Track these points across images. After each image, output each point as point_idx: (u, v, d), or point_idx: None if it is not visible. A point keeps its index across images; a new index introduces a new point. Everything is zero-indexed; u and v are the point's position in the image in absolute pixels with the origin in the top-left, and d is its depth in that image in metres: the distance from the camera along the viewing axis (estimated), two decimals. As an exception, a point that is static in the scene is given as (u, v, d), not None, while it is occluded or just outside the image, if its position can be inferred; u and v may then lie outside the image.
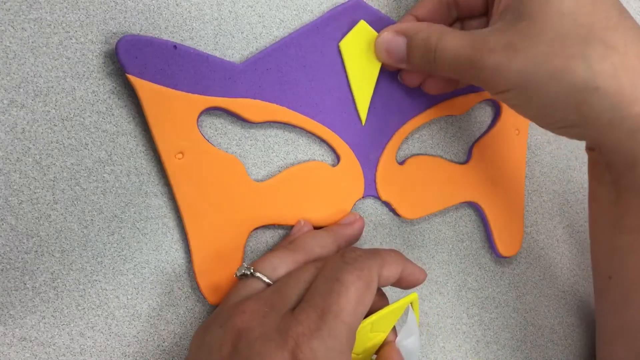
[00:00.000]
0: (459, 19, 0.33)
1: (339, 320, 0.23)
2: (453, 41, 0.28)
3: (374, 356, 0.29)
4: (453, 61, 0.28)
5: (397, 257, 0.27)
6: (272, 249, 0.31)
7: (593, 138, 0.28)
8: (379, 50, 0.31)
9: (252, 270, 0.27)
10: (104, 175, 0.27)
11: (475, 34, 0.28)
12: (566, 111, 0.26)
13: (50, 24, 0.26)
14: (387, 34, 0.31)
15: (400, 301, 0.28)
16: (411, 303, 0.29)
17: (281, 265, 0.27)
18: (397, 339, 0.29)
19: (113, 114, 0.27)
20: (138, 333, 0.28)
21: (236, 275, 0.27)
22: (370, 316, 0.26)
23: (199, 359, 0.25)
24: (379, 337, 0.28)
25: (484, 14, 0.33)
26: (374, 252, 0.26)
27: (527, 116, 0.29)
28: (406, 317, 0.29)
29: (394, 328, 0.29)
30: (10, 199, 0.25)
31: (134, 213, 0.28)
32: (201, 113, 0.28)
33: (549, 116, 0.27)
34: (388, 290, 0.34)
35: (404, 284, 0.28)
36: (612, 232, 0.30)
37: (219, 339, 0.24)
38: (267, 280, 0.26)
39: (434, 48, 0.29)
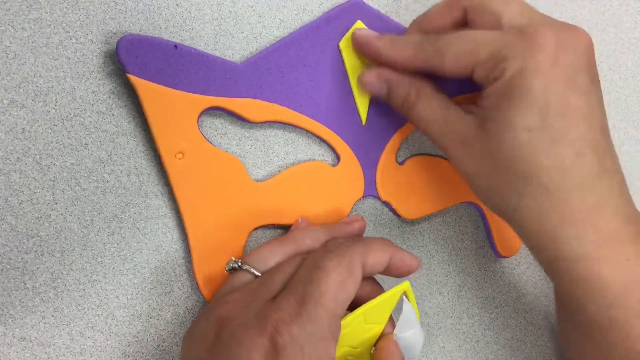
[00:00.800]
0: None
1: (319, 305, 0.23)
2: (428, 109, 0.29)
3: (374, 349, 0.29)
4: (427, 127, 0.29)
5: (383, 244, 0.27)
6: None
7: None
8: (362, 87, 0.31)
9: (239, 264, 0.27)
10: (104, 175, 0.27)
11: (450, 111, 0.28)
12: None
13: (50, 24, 0.26)
14: (371, 77, 0.31)
15: (391, 290, 0.27)
16: (405, 293, 0.28)
17: (271, 257, 0.27)
18: (395, 331, 0.28)
19: (113, 114, 0.27)
20: (138, 333, 0.28)
21: (226, 270, 0.27)
22: (362, 306, 0.26)
23: (189, 352, 0.25)
24: (375, 329, 0.28)
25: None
26: (359, 240, 0.26)
27: None
28: (402, 309, 0.29)
29: (392, 320, 0.29)
30: (10, 199, 0.25)
31: (134, 213, 0.28)
32: (201, 113, 0.28)
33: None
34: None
35: (394, 271, 0.27)
36: (564, 317, 0.31)
37: (204, 330, 0.24)
38: (255, 272, 0.26)
39: (411, 107, 0.30)
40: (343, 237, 0.28)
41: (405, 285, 0.28)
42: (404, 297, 0.28)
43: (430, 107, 0.29)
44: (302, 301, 0.23)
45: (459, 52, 0.27)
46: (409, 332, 0.28)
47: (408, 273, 0.28)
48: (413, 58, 0.29)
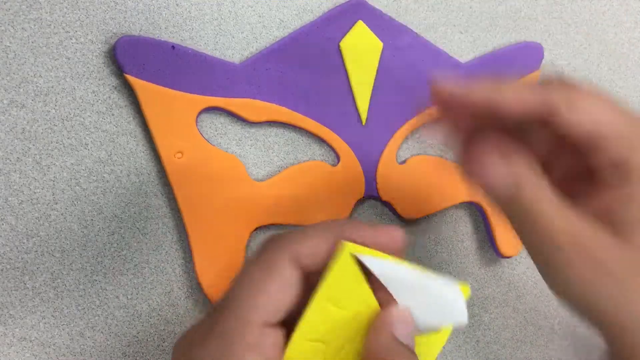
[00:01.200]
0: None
1: (232, 317, 0.20)
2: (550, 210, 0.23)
3: None
4: (534, 226, 0.23)
5: (324, 228, 0.21)
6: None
7: None
8: (480, 184, 0.25)
9: None
10: (104, 175, 0.27)
11: (571, 211, 0.22)
12: None
13: (50, 24, 0.26)
14: (501, 172, 0.23)
15: (330, 262, 0.21)
16: (354, 255, 0.21)
17: None
18: (398, 302, 0.22)
19: (113, 114, 0.27)
20: (138, 333, 0.28)
21: None
22: (313, 294, 0.21)
23: None
24: (367, 312, 0.21)
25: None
26: (296, 230, 0.22)
27: None
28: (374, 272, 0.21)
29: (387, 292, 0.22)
30: (10, 199, 0.25)
31: (134, 213, 0.28)
32: (201, 113, 0.28)
33: None
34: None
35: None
36: None
37: None
38: None
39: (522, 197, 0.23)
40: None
41: (346, 247, 0.21)
42: (366, 258, 0.21)
43: (553, 208, 0.23)
44: (216, 316, 0.20)
45: (592, 122, 0.22)
46: (417, 296, 0.22)
47: (389, 249, 0.22)
48: (532, 103, 0.22)
